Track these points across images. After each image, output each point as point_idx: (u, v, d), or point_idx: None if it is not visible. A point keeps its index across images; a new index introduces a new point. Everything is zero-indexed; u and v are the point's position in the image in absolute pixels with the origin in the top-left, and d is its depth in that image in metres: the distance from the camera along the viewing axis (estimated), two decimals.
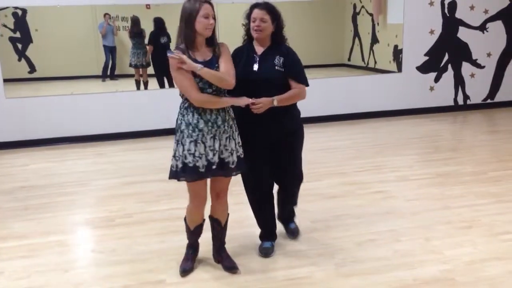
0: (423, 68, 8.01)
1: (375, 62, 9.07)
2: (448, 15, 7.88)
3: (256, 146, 3.21)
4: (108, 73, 8.78)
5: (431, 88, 8.10)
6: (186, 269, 3.20)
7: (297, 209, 3.76)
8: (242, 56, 3.18)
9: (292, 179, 3.44)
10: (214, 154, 2.93)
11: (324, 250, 3.48)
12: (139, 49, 8.22)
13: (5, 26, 7.61)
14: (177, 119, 3.01)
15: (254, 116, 3.05)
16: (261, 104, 3.00)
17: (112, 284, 3.11)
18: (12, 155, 6.35)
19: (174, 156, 2.99)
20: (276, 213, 3.57)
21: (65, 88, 7.92)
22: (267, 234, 3.50)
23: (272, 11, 3.10)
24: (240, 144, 3.09)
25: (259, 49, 3.17)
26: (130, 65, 8.32)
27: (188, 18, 2.81)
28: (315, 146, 6.31)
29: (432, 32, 7.88)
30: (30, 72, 8.43)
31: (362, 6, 9.14)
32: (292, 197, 3.59)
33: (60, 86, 8.20)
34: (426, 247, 3.47)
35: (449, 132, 7.13)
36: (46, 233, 3.93)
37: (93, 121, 6.91)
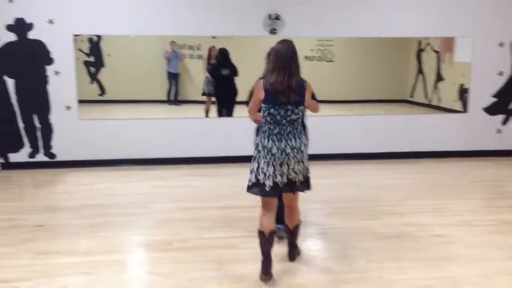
0: (491, 110, 7.77)
1: (439, 100, 8.90)
2: None
3: None
4: (172, 98, 9.11)
5: (498, 131, 7.83)
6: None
7: (351, 248, 3.72)
8: None
9: None
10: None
11: None
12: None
13: (80, 50, 8.09)
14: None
15: None
16: None
17: None
18: (79, 173, 6.66)
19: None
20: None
21: (132, 111, 8.28)
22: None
23: None
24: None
25: None
26: (203, 94, 8.55)
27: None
28: (373, 183, 6.23)
29: (501, 73, 7.67)
30: (100, 95, 8.89)
31: (428, 43, 9.04)
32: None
33: (126, 109, 8.59)
34: None
35: None
36: (107, 251, 4.09)
37: (156, 145, 7.15)
